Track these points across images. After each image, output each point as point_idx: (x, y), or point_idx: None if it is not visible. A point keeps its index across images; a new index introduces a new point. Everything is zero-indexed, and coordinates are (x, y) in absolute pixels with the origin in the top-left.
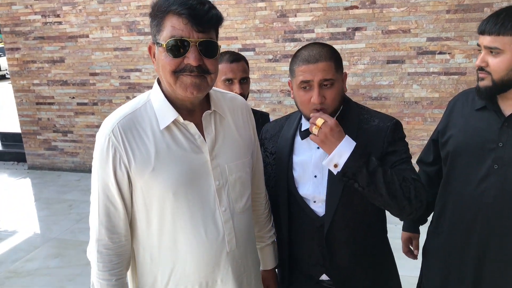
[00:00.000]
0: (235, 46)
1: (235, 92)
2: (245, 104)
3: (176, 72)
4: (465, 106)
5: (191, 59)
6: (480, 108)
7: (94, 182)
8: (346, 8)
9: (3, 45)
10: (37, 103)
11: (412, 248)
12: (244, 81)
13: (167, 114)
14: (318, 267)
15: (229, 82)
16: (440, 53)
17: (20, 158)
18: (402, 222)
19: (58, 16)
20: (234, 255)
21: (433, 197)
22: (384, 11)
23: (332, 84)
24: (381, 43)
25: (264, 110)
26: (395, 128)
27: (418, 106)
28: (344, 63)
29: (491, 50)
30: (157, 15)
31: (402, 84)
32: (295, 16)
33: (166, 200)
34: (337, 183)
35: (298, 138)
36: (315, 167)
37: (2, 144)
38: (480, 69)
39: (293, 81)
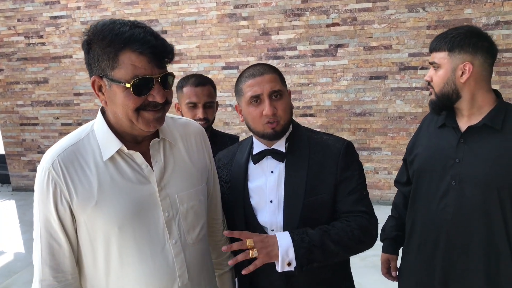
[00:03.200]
0: (218, 65)
1: (198, 117)
2: (200, 130)
3: (139, 109)
4: (430, 125)
5: (157, 97)
6: (441, 125)
7: (35, 219)
8: (328, 26)
9: None
10: (21, 124)
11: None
12: (209, 106)
13: (110, 144)
14: None
15: (193, 106)
16: (422, 68)
17: (4, 179)
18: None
19: (41, 37)
20: None
21: None
22: (365, 28)
23: (281, 96)
24: (363, 59)
25: None
26: (346, 152)
27: (402, 121)
28: (327, 79)
29: (433, 66)
30: (107, 49)
31: (386, 99)
32: (278, 34)
33: (111, 235)
34: (294, 210)
35: (251, 163)
36: (270, 191)
37: None
38: (428, 84)
39: (241, 100)
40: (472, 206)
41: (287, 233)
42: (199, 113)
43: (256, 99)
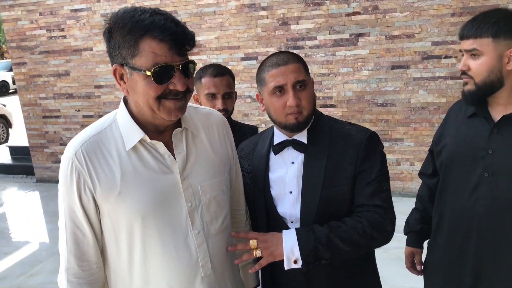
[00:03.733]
0: (237, 55)
1: (217, 108)
2: (222, 120)
3: (160, 97)
4: (459, 114)
5: (178, 85)
6: (471, 115)
7: (60, 208)
8: (349, 14)
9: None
10: (44, 117)
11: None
12: (228, 96)
13: (133, 134)
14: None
15: (212, 97)
16: (446, 57)
17: (28, 171)
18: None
19: (62, 30)
20: (210, 280)
21: None
22: (387, 16)
23: (305, 86)
24: (385, 48)
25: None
26: (369, 142)
27: (425, 112)
28: (348, 69)
29: (472, 53)
30: (127, 37)
31: (408, 89)
32: (297, 23)
33: (134, 224)
34: (311, 201)
35: (272, 154)
36: (290, 182)
37: (11, 157)
38: (463, 73)
39: (264, 89)
40: (507, 198)
41: (293, 230)
42: (218, 103)
43: (280, 90)
